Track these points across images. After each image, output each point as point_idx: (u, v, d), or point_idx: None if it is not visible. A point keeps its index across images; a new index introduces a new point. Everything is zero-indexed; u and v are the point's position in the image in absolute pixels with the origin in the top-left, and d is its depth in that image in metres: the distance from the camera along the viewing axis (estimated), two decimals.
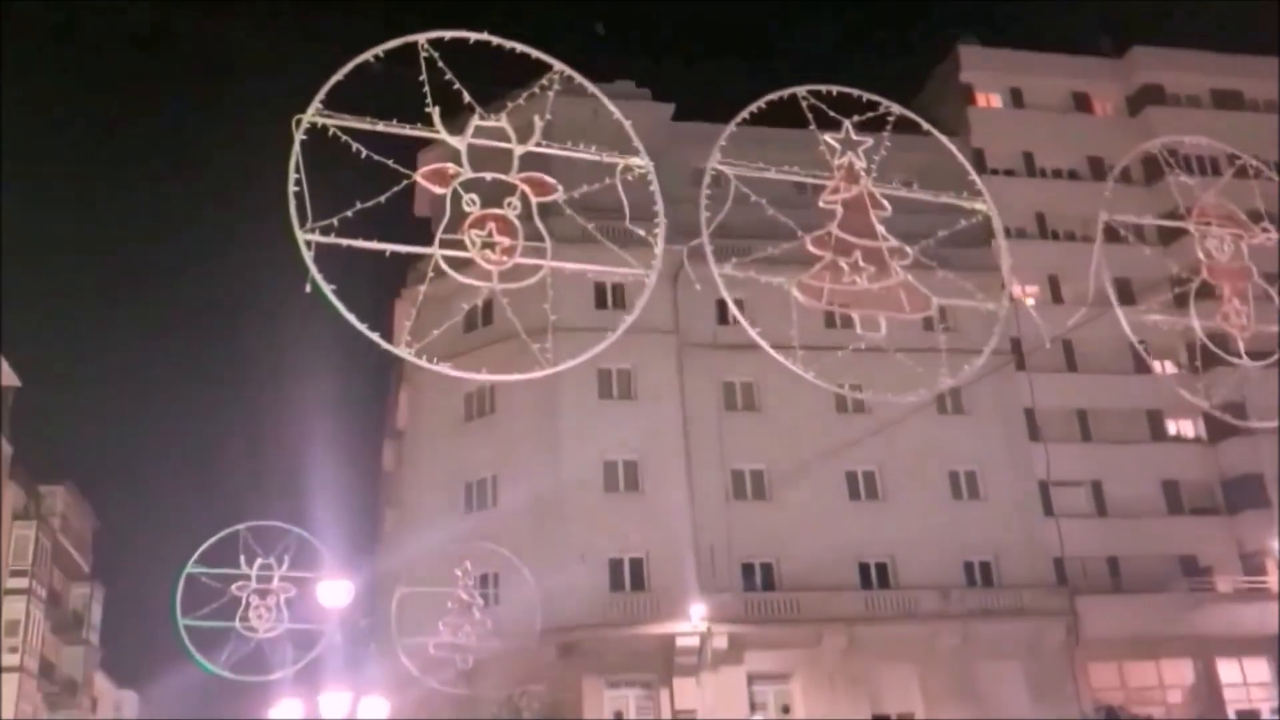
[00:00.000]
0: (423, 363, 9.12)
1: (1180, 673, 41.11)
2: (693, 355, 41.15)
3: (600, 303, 39.25)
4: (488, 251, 8.92)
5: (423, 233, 9.72)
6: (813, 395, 41.61)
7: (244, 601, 14.40)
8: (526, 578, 17.86)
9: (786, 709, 38.89)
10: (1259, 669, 41.29)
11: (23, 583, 45.30)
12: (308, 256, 8.30)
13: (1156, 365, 45.10)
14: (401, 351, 8.99)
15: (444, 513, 39.15)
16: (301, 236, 8.46)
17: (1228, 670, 40.93)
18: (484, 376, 9.55)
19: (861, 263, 10.33)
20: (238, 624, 14.23)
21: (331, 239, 8.47)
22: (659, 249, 9.78)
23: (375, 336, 8.47)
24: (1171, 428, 45.96)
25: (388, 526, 55.18)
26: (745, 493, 41.08)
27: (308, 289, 8.31)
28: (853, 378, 42.25)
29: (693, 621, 37.58)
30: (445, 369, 9.50)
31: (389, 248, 8.92)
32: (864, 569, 40.70)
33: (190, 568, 14.27)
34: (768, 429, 40.89)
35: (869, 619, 38.76)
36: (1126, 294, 15.80)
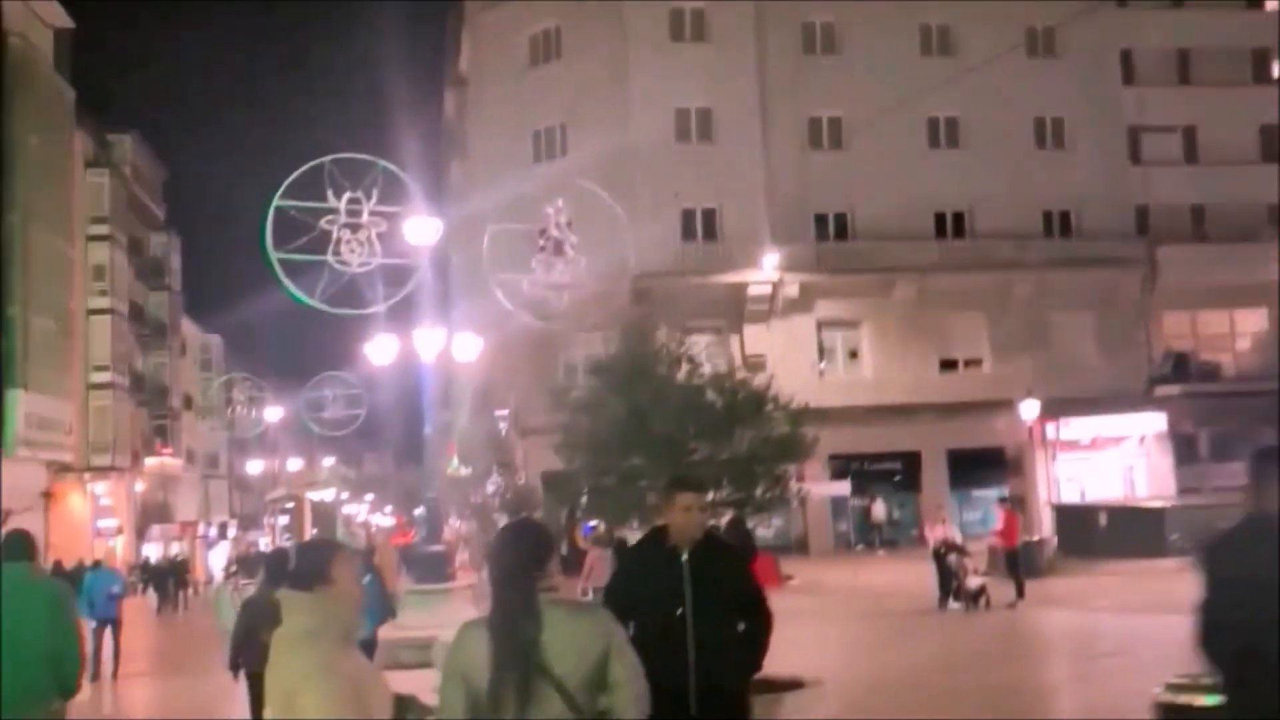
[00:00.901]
0: None
1: (1253, 321, 40.93)
2: None
3: None
4: None
5: None
6: (896, 37, 39.63)
7: (334, 236, 14.11)
8: (618, 214, 17.44)
9: (854, 354, 39.57)
10: None
11: (103, 229, 46.09)
12: None
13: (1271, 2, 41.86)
14: None
15: (512, 163, 38.51)
16: None
17: None
18: None
19: None
20: (330, 258, 13.99)
21: None
22: None
23: None
24: (1276, 69, 43.21)
25: (453, 180, 54.90)
26: (821, 141, 39.89)
27: None
28: (940, 16, 40.32)
29: (764, 270, 37.64)
30: None
31: None
32: (939, 219, 40.05)
33: (278, 201, 13.89)
34: (847, 74, 39.03)
35: (942, 268, 38.51)
36: None
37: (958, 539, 19.12)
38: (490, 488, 32.54)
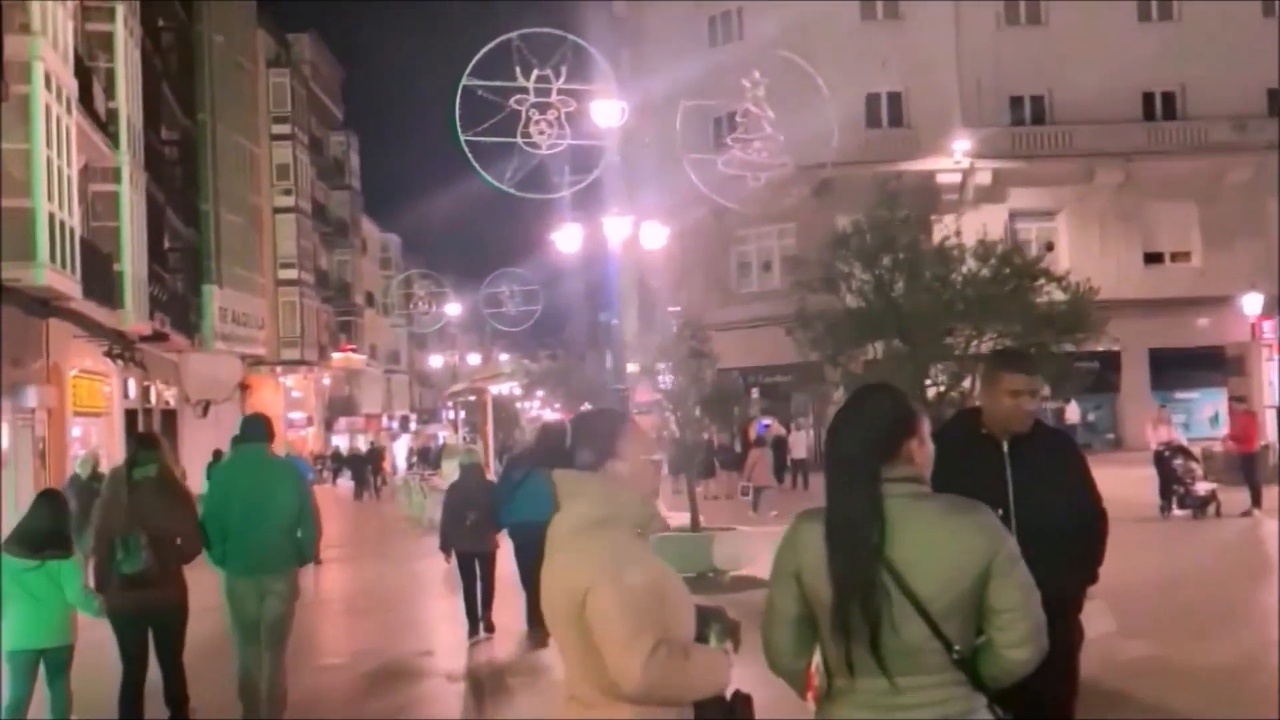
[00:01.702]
0: None
1: None
2: None
3: None
4: None
5: None
6: None
7: (523, 117, 13.46)
8: (820, 87, 16.26)
9: (1050, 246, 37.25)
10: None
11: (285, 129, 47.04)
12: None
13: None
14: None
15: (687, 47, 37.18)
16: None
17: None
18: None
19: None
20: (519, 138, 13.37)
21: None
22: None
23: None
24: None
25: (624, 67, 53.86)
26: (1018, 17, 37.20)
27: None
28: None
29: (954, 158, 35.62)
30: None
31: None
32: (1148, 99, 37.06)
33: (466, 80, 13.30)
34: None
35: (1149, 153, 35.72)
36: None
37: (1182, 441, 17.56)
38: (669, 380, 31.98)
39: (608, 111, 14.67)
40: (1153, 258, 36.95)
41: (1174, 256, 36.90)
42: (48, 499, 6.72)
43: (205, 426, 34.71)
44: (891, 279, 12.11)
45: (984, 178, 35.94)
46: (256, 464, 6.96)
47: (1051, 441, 4.19)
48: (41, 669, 6.46)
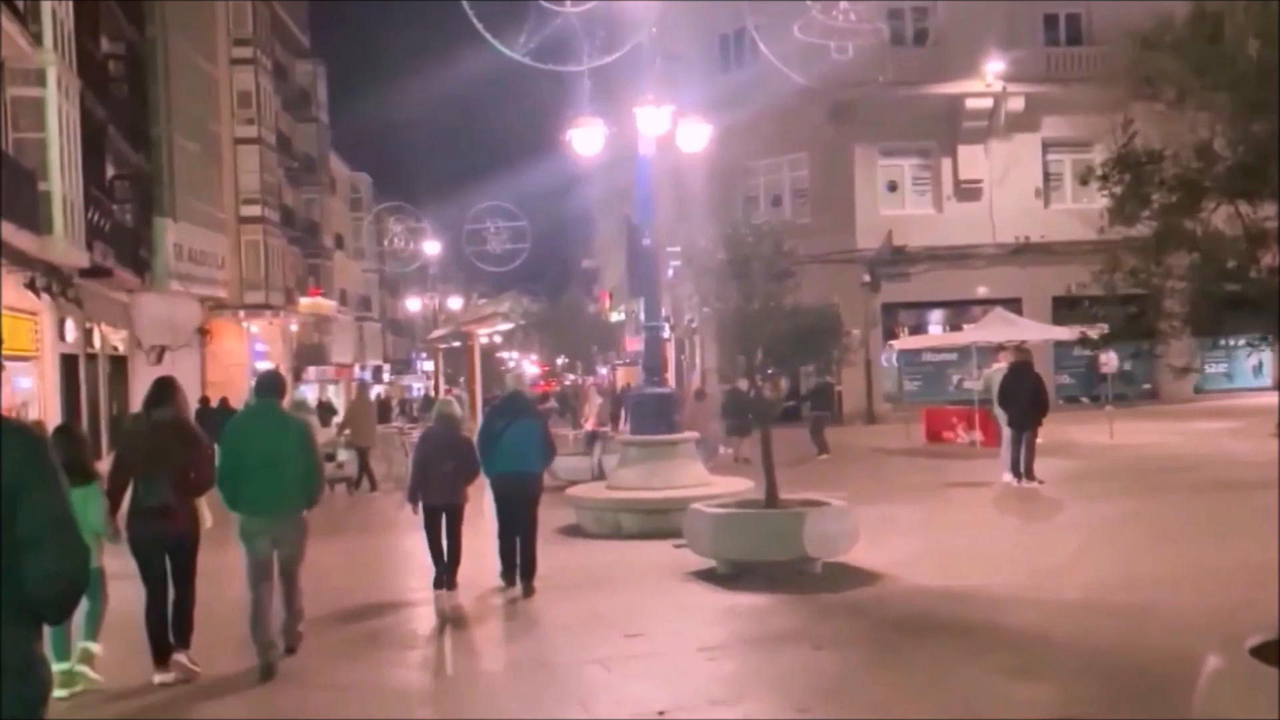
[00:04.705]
0: None
1: None
2: None
3: None
4: None
5: None
6: None
7: None
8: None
9: (1085, 180, 34.17)
10: None
11: (247, 52, 43.15)
12: None
13: None
14: None
15: None
16: None
17: None
18: None
19: None
20: None
21: None
22: None
23: None
24: None
25: None
26: None
27: None
28: None
29: (985, 80, 32.48)
30: None
31: None
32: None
33: None
34: None
35: None
36: None
37: None
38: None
39: None
40: None
41: None
42: (64, 432, 7.75)
43: (160, 375, 31.34)
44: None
45: (1016, 104, 32.89)
46: (269, 417, 7.88)
47: None
48: None
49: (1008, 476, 16.09)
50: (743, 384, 22.49)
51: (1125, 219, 5.95)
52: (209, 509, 7.69)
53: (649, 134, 12.36)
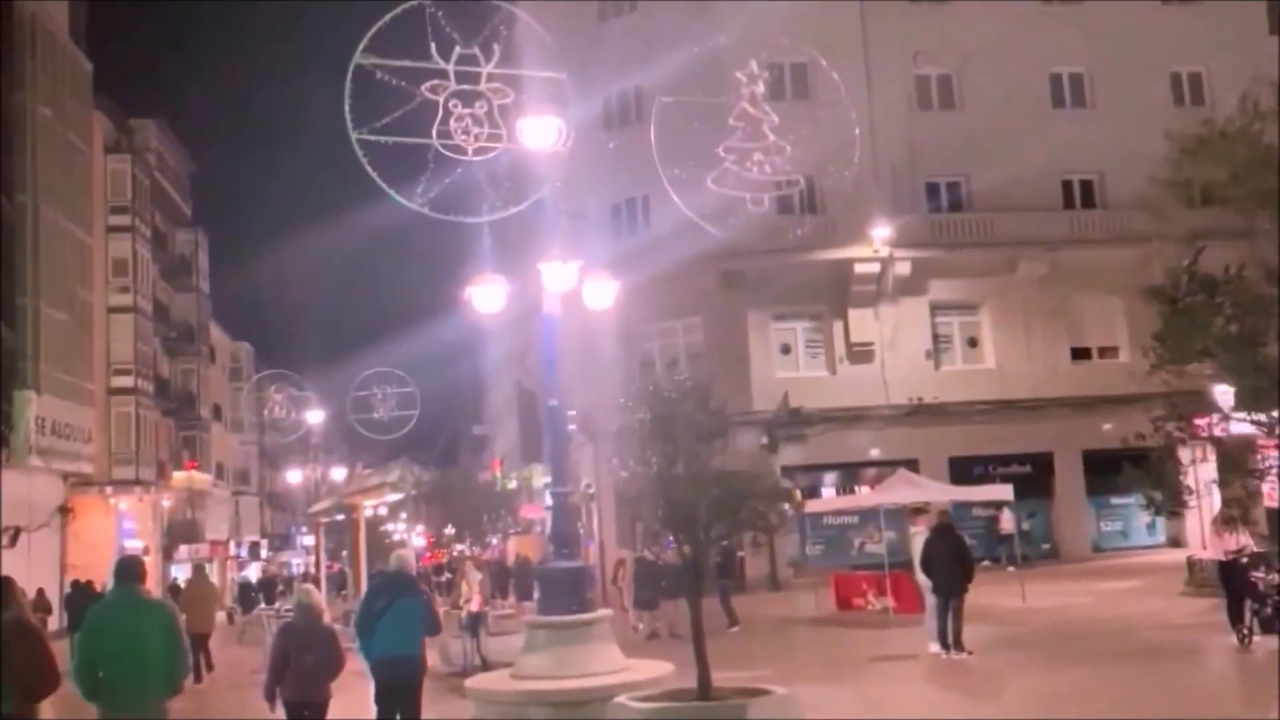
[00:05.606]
0: None
1: None
2: None
3: None
4: None
5: None
6: None
7: (440, 109, 9.64)
8: (835, 82, 13.04)
9: (974, 342, 34.87)
10: None
11: (125, 219, 41.95)
12: None
13: None
14: None
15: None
16: None
17: None
18: None
19: None
20: (435, 139, 9.54)
21: None
22: None
23: None
24: None
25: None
26: (931, 100, 35.46)
27: None
28: None
29: (873, 246, 33.08)
30: None
31: None
32: (1067, 187, 35.55)
33: (360, 57, 9.40)
34: (958, 22, 34.44)
35: (1072, 243, 33.88)
36: None
37: (1255, 547, 14.26)
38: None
39: (541, 130, 10.90)
40: (1081, 353, 34.92)
41: (1102, 352, 34.87)
42: None
43: (14, 557, 28.86)
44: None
45: (904, 268, 33.49)
46: (128, 604, 7.56)
47: None
48: None
49: (934, 647, 15.30)
50: (649, 554, 21.76)
51: (1176, 356, 5.42)
52: (52, 709, 7.28)
53: (554, 290, 11.71)
